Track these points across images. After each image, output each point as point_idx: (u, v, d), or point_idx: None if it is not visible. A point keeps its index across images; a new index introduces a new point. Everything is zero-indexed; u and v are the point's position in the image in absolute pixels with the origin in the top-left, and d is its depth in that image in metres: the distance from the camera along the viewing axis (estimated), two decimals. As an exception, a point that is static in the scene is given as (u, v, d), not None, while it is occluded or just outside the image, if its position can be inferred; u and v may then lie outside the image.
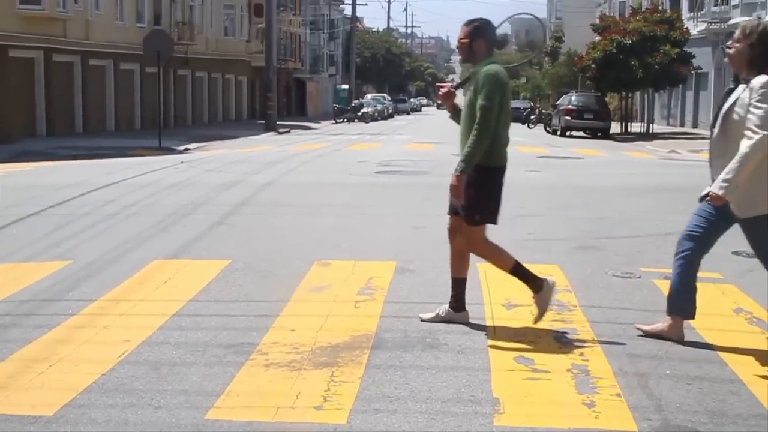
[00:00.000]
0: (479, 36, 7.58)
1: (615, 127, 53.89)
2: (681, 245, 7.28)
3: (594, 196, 17.23)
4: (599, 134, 49.56)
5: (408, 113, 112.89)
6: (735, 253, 10.45)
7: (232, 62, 67.21)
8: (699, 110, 58.44)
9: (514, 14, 7.12)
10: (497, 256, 7.79)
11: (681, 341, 7.18)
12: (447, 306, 7.79)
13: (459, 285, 7.82)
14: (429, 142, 38.17)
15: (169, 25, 54.95)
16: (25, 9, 38.95)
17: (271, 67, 55.15)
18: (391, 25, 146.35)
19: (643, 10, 61.24)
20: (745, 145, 6.72)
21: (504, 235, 12.18)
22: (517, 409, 5.65)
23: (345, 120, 74.98)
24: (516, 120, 76.16)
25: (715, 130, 7.11)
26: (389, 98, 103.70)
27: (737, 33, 7.17)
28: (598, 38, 54.40)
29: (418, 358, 6.69)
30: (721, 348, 7.02)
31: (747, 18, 6.69)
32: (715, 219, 7.12)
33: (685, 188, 18.24)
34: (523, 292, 8.65)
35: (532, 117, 68.05)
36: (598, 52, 50.64)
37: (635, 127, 57.15)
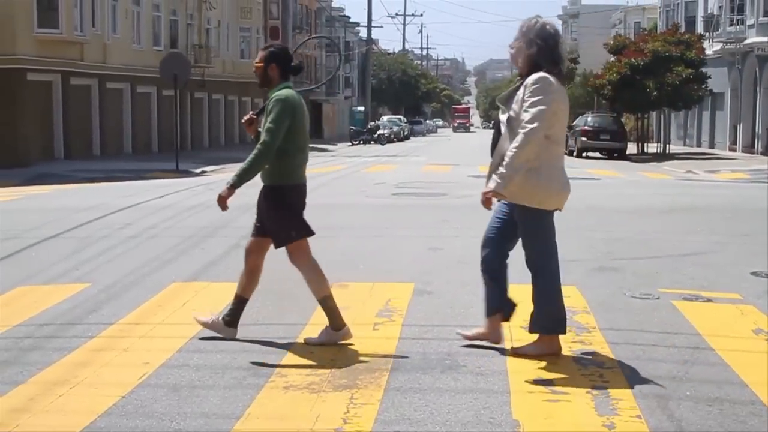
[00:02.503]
0: (273, 61, 7.78)
1: (631, 148, 53.80)
2: (482, 250, 7.63)
3: (611, 217, 17.19)
4: (615, 155, 49.46)
5: (424, 135, 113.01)
6: (754, 273, 10.43)
7: (249, 84, 67.26)
8: (715, 130, 58.34)
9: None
10: (317, 279, 7.93)
11: (499, 342, 7.44)
12: (220, 316, 7.95)
13: (241, 302, 7.97)
14: (445, 163, 38.17)
15: (185, 48, 55.19)
16: (43, 33, 39.14)
17: (287, 90, 55.17)
18: (407, 46, 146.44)
19: (658, 31, 61.22)
20: (517, 139, 6.96)
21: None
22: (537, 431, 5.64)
23: (361, 142, 75.07)
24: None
25: (503, 129, 7.31)
26: (405, 120, 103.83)
27: (517, 32, 7.39)
28: (613, 59, 54.38)
29: (437, 380, 6.68)
30: (741, 369, 6.99)
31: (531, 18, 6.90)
32: (509, 216, 7.45)
33: (703, 209, 18.22)
34: (541, 313, 8.65)
35: (548, 138, 67.86)
36: (614, 74, 50.61)
37: (651, 147, 57.04)
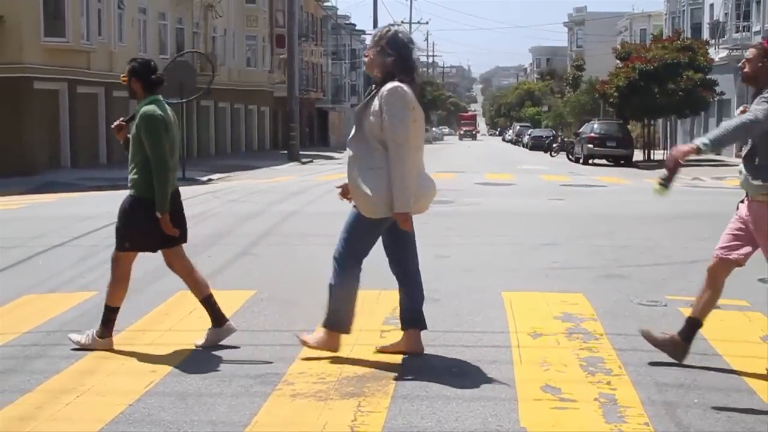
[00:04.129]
0: (134, 76, 7.94)
1: (638, 155, 53.81)
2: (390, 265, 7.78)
3: (618, 223, 17.18)
4: (622, 162, 49.42)
5: (430, 142, 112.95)
6: (761, 280, 10.39)
7: (255, 93, 67.47)
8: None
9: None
10: (121, 290, 8.08)
11: (336, 351, 7.45)
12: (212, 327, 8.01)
13: (210, 303, 8.10)
14: (451, 171, 38.14)
15: (191, 57, 55.25)
16: (50, 42, 39.21)
17: (294, 98, 55.28)
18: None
19: (664, 37, 61.25)
20: (391, 159, 7.09)
21: (528, 264, 12.20)
22: (544, 439, 5.63)
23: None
24: (539, 148, 76.40)
25: (353, 131, 7.42)
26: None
27: (371, 41, 7.49)
28: (619, 64, 54.41)
29: (444, 387, 6.67)
30: (749, 376, 6.97)
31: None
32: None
33: (710, 215, 18.17)
34: (548, 320, 8.66)
35: (554, 145, 67.97)
36: (621, 80, 50.62)
37: (658, 154, 57.01)
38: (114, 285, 8.03)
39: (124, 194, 8.10)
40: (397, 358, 7.40)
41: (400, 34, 7.39)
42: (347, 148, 7.44)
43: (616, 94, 51.36)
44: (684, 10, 65.87)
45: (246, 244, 13.85)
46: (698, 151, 6.80)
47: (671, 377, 6.91)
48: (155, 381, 6.84)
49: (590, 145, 50.27)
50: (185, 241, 8.19)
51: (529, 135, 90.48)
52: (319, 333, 7.59)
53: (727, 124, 7.04)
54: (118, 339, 8.06)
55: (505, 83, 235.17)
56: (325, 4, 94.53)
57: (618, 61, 56.87)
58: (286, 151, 56.11)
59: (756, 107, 6.94)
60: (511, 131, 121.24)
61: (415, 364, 7.27)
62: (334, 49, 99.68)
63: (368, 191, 7.18)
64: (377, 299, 9.71)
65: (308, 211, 19.08)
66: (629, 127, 55.79)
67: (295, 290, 10.27)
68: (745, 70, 7.26)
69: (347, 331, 7.55)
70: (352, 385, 6.69)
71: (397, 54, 7.25)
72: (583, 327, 8.43)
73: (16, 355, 7.67)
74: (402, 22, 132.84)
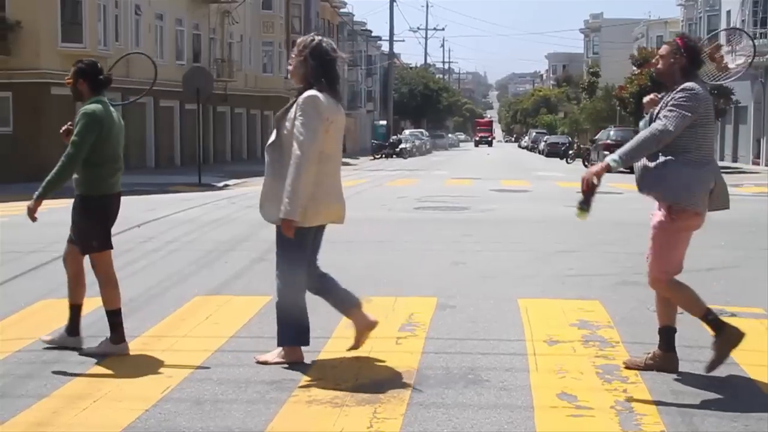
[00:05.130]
0: (81, 76, 8.14)
1: (654, 162, 53.60)
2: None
3: (634, 230, 17.11)
4: (638, 169, 49.20)
5: (446, 149, 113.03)
6: (779, 288, 10.37)
7: (271, 98, 67.47)
8: (738, 144, 58.14)
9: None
10: (112, 290, 8.12)
11: (301, 362, 7.47)
12: (63, 329, 8.09)
13: (76, 310, 8.12)
14: (467, 177, 38.15)
15: (208, 63, 55.37)
16: (67, 47, 39.35)
17: (310, 104, 55.20)
18: (429, 60, 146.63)
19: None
20: (293, 164, 7.11)
21: (544, 271, 12.19)
22: (560, 447, 5.62)
23: (383, 156, 75.04)
24: (554, 155, 76.23)
25: (272, 137, 7.46)
26: (427, 134, 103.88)
27: (294, 49, 7.56)
28: (636, 71, 54.29)
29: (460, 394, 6.67)
30: (766, 384, 6.95)
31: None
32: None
33: (726, 222, 18.10)
34: (564, 328, 8.65)
35: (570, 152, 67.80)
36: (635, 87, 50.51)
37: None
38: (102, 287, 8.12)
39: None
40: (414, 365, 7.40)
41: (323, 44, 7.48)
42: (265, 154, 7.49)
43: (632, 100, 51.25)
44: (701, 17, 65.69)
45: (262, 250, 13.86)
46: (609, 168, 6.88)
47: (687, 385, 6.89)
48: (171, 387, 6.85)
49: (606, 152, 49.64)
50: (109, 247, 8.25)
51: (545, 141, 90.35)
52: (276, 351, 7.62)
53: (639, 138, 7.07)
54: (134, 344, 8.08)
55: (521, 90, 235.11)
56: (342, 10, 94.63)
57: (635, 68, 56.75)
58: (301, 157, 56.08)
59: (666, 114, 6.94)
60: (527, 138, 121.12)
61: (431, 371, 7.27)
62: (350, 55, 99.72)
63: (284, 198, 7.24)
64: (392, 306, 9.72)
65: (324, 217, 19.06)
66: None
67: (311, 297, 10.25)
68: (658, 66, 7.31)
69: (306, 342, 7.60)
70: (368, 392, 6.69)
71: (318, 63, 7.37)
72: (600, 334, 8.42)
73: (33, 360, 7.70)
74: (418, 28, 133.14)
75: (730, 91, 49.26)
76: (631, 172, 7.34)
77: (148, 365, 7.51)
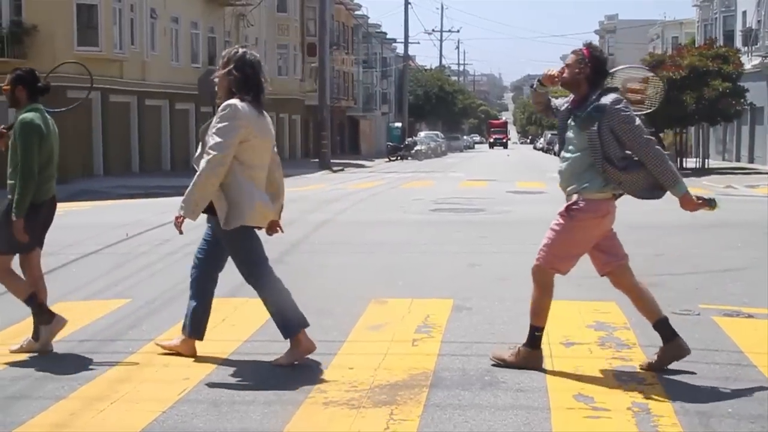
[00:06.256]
0: (19, 83, 8.17)
1: (670, 163, 53.47)
2: (191, 272, 7.94)
3: (650, 232, 17.09)
4: (654, 170, 49.02)
5: (461, 150, 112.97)
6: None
7: (286, 101, 67.63)
8: (755, 145, 57.95)
9: None
10: (15, 285, 8.21)
11: (194, 356, 7.65)
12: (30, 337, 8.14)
13: (36, 303, 8.18)
14: (483, 179, 38.11)
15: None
16: (83, 51, 39.51)
17: (325, 106, 55.36)
18: (444, 62, 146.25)
19: (696, 45, 60.97)
20: (200, 167, 7.29)
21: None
22: (577, 448, 5.62)
23: (398, 158, 75.04)
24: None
25: (198, 149, 7.53)
26: (442, 136, 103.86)
27: (220, 63, 7.64)
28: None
29: (477, 396, 6.67)
30: (784, 386, 6.93)
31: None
32: (213, 237, 7.75)
33: (743, 224, 18.09)
34: (581, 329, 8.64)
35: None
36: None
37: (690, 162, 56.76)
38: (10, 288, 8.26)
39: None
40: (430, 366, 7.40)
41: (247, 55, 7.59)
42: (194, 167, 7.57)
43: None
44: (716, 18, 65.52)
45: (278, 253, 13.85)
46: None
47: (704, 386, 6.88)
48: (188, 389, 6.87)
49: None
50: (41, 247, 8.46)
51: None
52: (292, 348, 7.64)
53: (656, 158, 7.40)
54: (151, 347, 8.11)
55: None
56: (356, 12, 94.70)
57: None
58: (317, 160, 56.21)
59: (633, 133, 7.28)
60: (542, 139, 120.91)
61: (448, 373, 7.27)
62: (365, 57, 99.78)
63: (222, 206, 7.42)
64: (409, 308, 9.72)
65: (340, 220, 19.13)
66: (661, 135, 55.51)
67: (327, 298, 10.29)
68: (564, 75, 7.36)
69: (306, 324, 7.71)
70: (384, 393, 6.70)
71: (240, 73, 7.47)
72: (616, 336, 8.40)
73: (50, 361, 7.73)
74: (433, 30, 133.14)
75: (743, 91, 49.11)
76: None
77: (165, 367, 7.53)
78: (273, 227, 7.81)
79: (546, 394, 6.69)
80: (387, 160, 74.16)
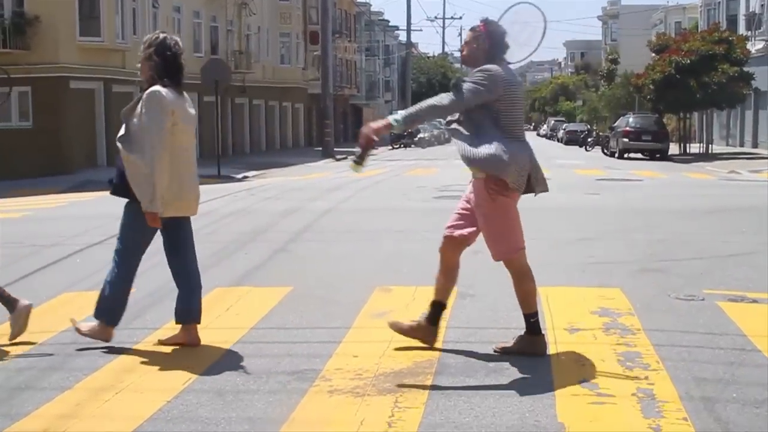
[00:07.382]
0: None
1: (673, 148, 53.49)
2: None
3: (654, 218, 17.10)
4: (658, 156, 49.13)
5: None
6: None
7: (289, 90, 67.60)
8: (759, 130, 57.86)
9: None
10: None
11: (108, 341, 7.83)
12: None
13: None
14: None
15: (226, 54, 55.46)
16: (86, 41, 39.50)
17: (328, 94, 55.34)
18: (446, 50, 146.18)
19: (699, 30, 60.84)
20: (147, 163, 7.42)
21: (565, 259, 12.17)
22: (582, 434, 5.62)
23: (402, 145, 74.98)
24: (573, 143, 76.14)
25: (121, 131, 7.66)
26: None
27: (141, 49, 7.72)
28: (655, 58, 54.08)
29: (481, 383, 6.67)
30: (789, 371, 6.93)
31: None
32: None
33: (747, 209, 18.08)
34: (585, 316, 8.63)
35: (589, 140, 67.65)
36: (657, 74, 50.34)
37: (694, 147, 56.74)
38: None
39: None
40: (434, 354, 7.41)
41: (167, 40, 7.68)
42: (118, 145, 7.70)
43: (651, 87, 51.09)
44: (720, 2, 65.40)
45: (282, 241, 13.89)
46: (391, 126, 7.10)
47: (709, 372, 6.87)
48: (193, 378, 6.87)
49: (625, 139, 50.01)
50: None
51: (564, 129, 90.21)
52: (92, 323, 7.91)
53: (426, 102, 7.32)
54: (155, 336, 8.12)
55: (539, 77, 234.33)
56: (359, 0, 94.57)
57: (653, 54, 56.54)
58: (320, 148, 56.23)
59: (466, 86, 7.09)
60: (545, 126, 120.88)
61: (452, 360, 7.27)
62: (368, 45, 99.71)
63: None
64: (413, 296, 9.72)
65: (344, 208, 19.12)
66: (665, 120, 55.45)
67: (332, 287, 10.29)
68: (464, 53, 7.42)
69: (116, 324, 7.92)
70: (389, 381, 6.70)
71: (161, 59, 7.58)
72: (621, 322, 8.40)
73: (55, 352, 7.73)
74: (436, 17, 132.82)
75: (750, 76, 49.03)
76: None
77: (170, 357, 7.54)
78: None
79: (551, 381, 6.69)
80: (390, 147, 74.07)
